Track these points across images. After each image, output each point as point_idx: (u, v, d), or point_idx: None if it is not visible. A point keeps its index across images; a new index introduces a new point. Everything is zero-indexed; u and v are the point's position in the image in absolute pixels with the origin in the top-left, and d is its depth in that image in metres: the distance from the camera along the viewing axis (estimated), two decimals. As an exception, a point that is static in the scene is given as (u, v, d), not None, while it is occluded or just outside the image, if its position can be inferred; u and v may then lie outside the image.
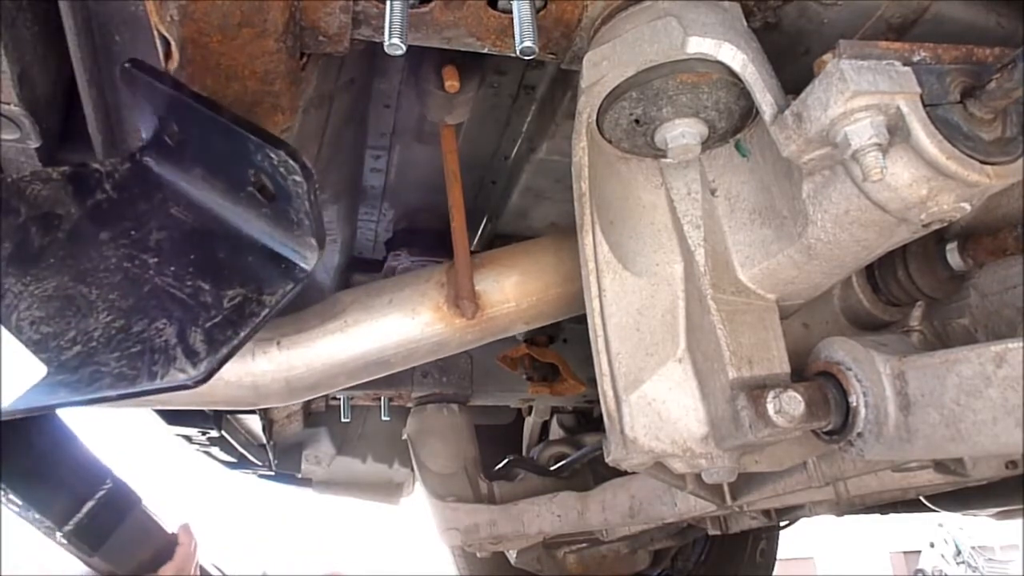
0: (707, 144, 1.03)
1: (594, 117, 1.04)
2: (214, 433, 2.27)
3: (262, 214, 0.98)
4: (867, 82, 0.77)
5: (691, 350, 1.04)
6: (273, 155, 0.89)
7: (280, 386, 1.38)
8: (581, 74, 1.03)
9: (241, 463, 2.88)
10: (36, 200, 0.97)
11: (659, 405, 1.01)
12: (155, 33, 0.89)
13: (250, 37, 0.94)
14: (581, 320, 1.13)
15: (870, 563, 13.85)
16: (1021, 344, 0.77)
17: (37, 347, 0.90)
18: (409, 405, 2.49)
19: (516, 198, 1.72)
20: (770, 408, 0.88)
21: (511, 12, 0.98)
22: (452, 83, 1.29)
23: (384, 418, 2.57)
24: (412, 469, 2.78)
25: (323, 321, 1.40)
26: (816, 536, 11.26)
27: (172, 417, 2.14)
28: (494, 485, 2.40)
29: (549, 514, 2.23)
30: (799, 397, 0.90)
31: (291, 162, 0.88)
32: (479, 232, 1.98)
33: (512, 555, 2.56)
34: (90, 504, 1.48)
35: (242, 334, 0.94)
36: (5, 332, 0.90)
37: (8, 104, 1.01)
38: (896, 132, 0.78)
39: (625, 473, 2.01)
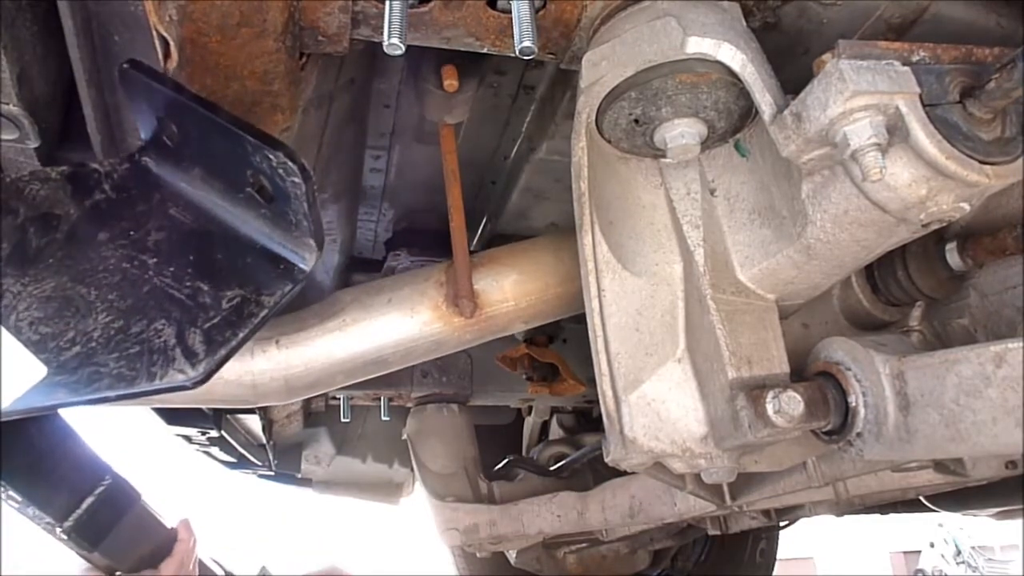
0: (706, 144, 1.03)
1: (593, 117, 1.03)
2: (214, 433, 2.27)
3: (261, 215, 0.98)
4: (866, 82, 0.77)
5: (690, 350, 1.04)
6: (272, 156, 0.89)
7: (279, 385, 1.39)
8: (580, 74, 1.03)
9: (241, 463, 2.88)
10: (35, 200, 0.97)
11: (659, 405, 1.01)
12: (154, 33, 0.89)
13: (249, 37, 0.94)
14: (580, 320, 1.13)
15: (870, 563, 13.86)
16: (1021, 344, 0.77)
17: (36, 347, 0.90)
18: (409, 405, 2.49)
19: (515, 198, 1.72)
20: (769, 408, 0.88)
21: (510, 12, 0.98)
22: (451, 83, 1.29)
23: (384, 418, 2.57)
24: (412, 469, 2.78)
25: (322, 320, 1.40)
26: (816, 536, 11.27)
27: (172, 417, 2.14)
28: (494, 485, 2.39)
29: (549, 514, 2.23)
30: (798, 397, 0.90)
31: (290, 163, 0.88)
32: (478, 232, 1.98)
33: (512, 555, 2.56)
34: (90, 500, 1.48)
35: (241, 335, 0.94)
36: (5, 332, 0.90)
37: (7, 104, 1.01)
38: (895, 132, 0.78)
39: (625, 473, 2.01)
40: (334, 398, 2.65)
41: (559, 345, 2.26)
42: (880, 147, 0.76)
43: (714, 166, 1.08)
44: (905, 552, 14.10)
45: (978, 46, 0.85)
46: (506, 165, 1.74)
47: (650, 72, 0.95)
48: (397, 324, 1.42)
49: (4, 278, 0.92)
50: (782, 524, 2.43)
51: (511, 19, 0.97)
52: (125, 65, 0.93)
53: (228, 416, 2.29)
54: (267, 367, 1.37)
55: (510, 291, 1.46)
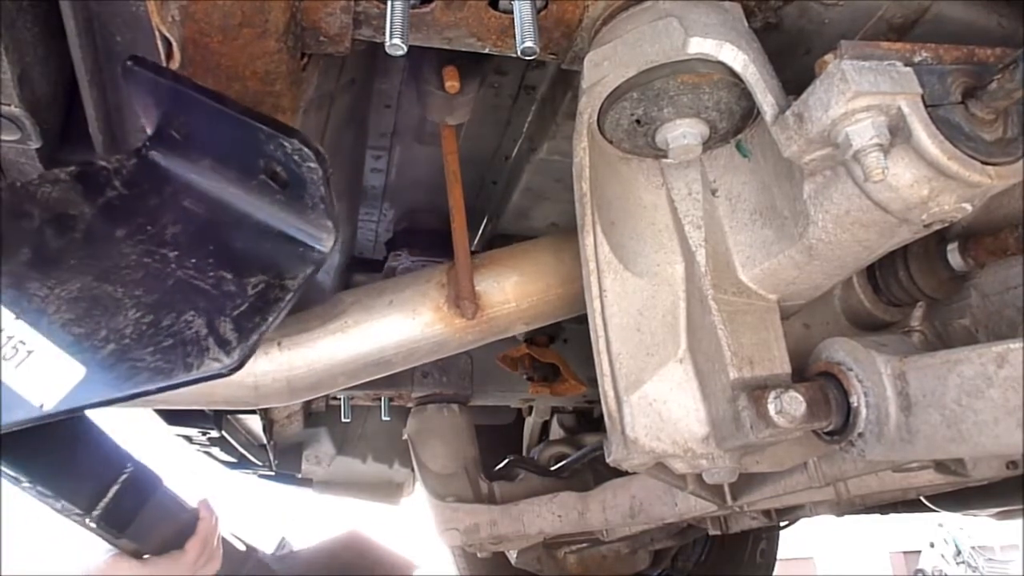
0: (708, 144, 1.03)
1: (595, 117, 1.03)
2: (214, 433, 2.27)
3: (276, 200, 0.99)
4: (868, 83, 0.77)
5: (692, 350, 1.04)
6: (286, 144, 0.91)
7: (281, 386, 1.38)
8: (582, 74, 1.03)
9: (241, 463, 2.88)
10: (48, 203, 0.97)
11: (660, 405, 1.01)
12: (156, 33, 0.89)
13: (251, 37, 0.94)
14: (581, 320, 1.13)
15: (870, 563, 13.86)
16: (1022, 345, 0.77)
17: (72, 349, 0.91)
18: (409, 405, 2.49)
19: (517, 198, 1.72)
20: (771, 408, 0.88)
21: (512, 12, 0.98)
22: (453, 84, 1.29)
23: (384, 418, 2.57)
24: (412, 469, 2.78)
25: (324, 322, 1.40)
26: (816, 536, 11.27)
27: (172, 417, 2.14)
28: (494, 485, 2.39)
29: (550, 514, 2.23)
30: (800, 397, 0.89)
31: (305, 149, 0.90)
32: (479, 232, 1.98)
33: (512, 555, 2.56)
34: (115, 488, 1.52)
35: (270, 319, 0.95)
36: (40, 337, 0.91)
37: (8, 105, 1.01)
38: (897, 133, 0.78)
39: (625, 473, 2.01)
40: (335, 398, 2.65)
41: (560, 345, 2.26)
42: (882, 147, 0.76)
43: (716, 166, 1.08)
44: (905, 552, 14.11)
45: (980, 46, 0.85)
46: (507, 165, 1.74)
47: (652, 72, 0.95)
48: (399, 326, 1.42)
49: (30, 283, 0.93)
50: (782, 524, 2.44)
51: (512, 19, 0.97)
52: (128, 62, 0.93)
53: (229, 416, 2.29)
54: (269, 368, 1.36)
55: (511, 292, 1.46)
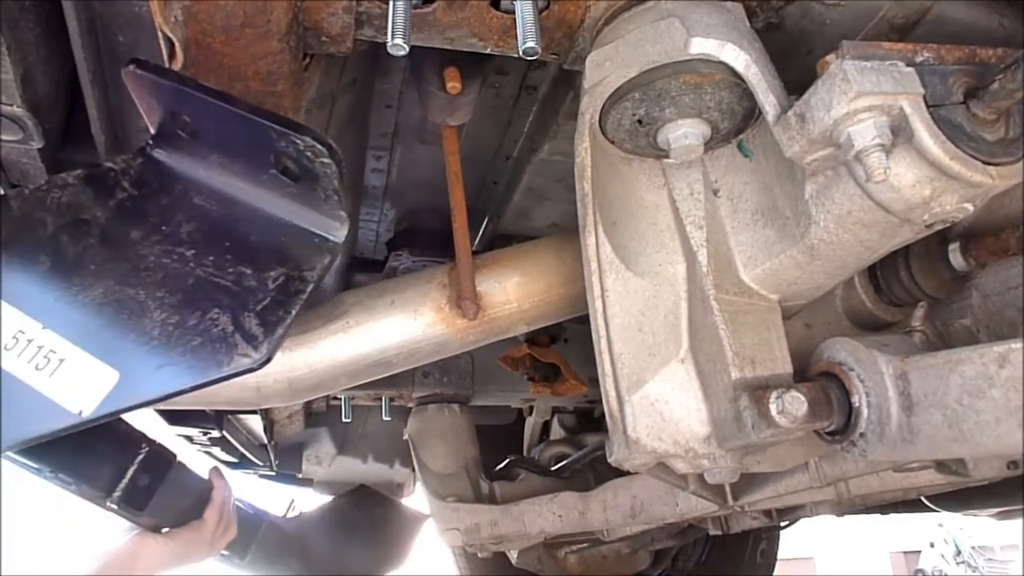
0: (710, 145, 1.03)
1: (597, 117, 1.04)
2: (215, 433, 2.27)
3: (288, 194, 1.00)
4: (870, 83, 0.77)
5: (694, 350, 1.04)
6: (299, 140, 0.91)
7: (283, 387, 1.38)
8: (584, 74, 1.03)
9: (242, 463, 2.88)
10: (59, 208, 0.97)
11: (662, 405, 1.02)
12: (159, 34, 0.89)
13: (253, 38, 0.94)
14: (583, 320, 1.13)
15: (870, 563, 13.85)
16: (1023, 344, 0.77)
17: (103, 354, 0.92)
18: (410, 405, 2.49)
19: (518, 198, 1.72)
20: (773, 408, 0.88)
21: (514, 13, 0.98)
22: (454, 84, 1.29)
23: (385, 418, 2.57)
24: (413, 469, 2.78)
25: (325, 322, 1.40)
26: (816, 536, 11.26)
27: (174, 417, 2.14)
28: (495, 485, 2.39)
29: (550, 514, 2.23)
30: (802, 397, 0.90)
31: (319, 146, 0.91)
32: (481, 232, 1.98)
33: (513, 555, 2.56)
34: (132, 469, 1.56)
35: (293, 311, 0.96)
36: (69, 344, 0.91)
37: (11, 105, 1.01)
38: (899, 133, 0.79)
39: (626, 473, 2.01)
40: (335, 398, 2.65)
41: (561, 345, 2.26)
42: (884, 148, 0.76)
43: (717, 166, 1.08)
44: (905, 552, 14.10)
45: (981, 47, 0.85)
46: (508, 165, 1.74)
47: (654, 73, 0.95)
48: (400, 326, 1.42)
49: (53, 291, 0.93)
50: (783, 524, 2.43)
51: (514, 20, 0.97)
52: (130, 66, 0.93)
53: (230, 416, 2.29)
54: (271, 369, 1.36)
55: (513, 293, 1.46)
